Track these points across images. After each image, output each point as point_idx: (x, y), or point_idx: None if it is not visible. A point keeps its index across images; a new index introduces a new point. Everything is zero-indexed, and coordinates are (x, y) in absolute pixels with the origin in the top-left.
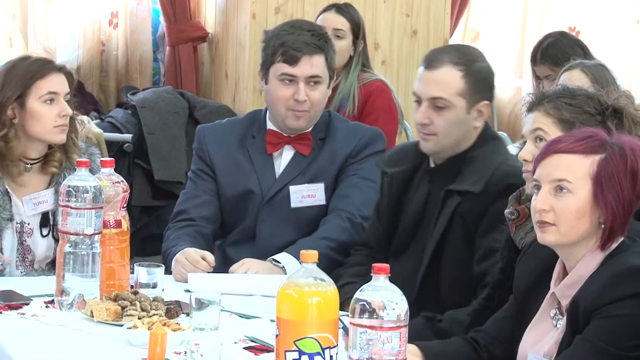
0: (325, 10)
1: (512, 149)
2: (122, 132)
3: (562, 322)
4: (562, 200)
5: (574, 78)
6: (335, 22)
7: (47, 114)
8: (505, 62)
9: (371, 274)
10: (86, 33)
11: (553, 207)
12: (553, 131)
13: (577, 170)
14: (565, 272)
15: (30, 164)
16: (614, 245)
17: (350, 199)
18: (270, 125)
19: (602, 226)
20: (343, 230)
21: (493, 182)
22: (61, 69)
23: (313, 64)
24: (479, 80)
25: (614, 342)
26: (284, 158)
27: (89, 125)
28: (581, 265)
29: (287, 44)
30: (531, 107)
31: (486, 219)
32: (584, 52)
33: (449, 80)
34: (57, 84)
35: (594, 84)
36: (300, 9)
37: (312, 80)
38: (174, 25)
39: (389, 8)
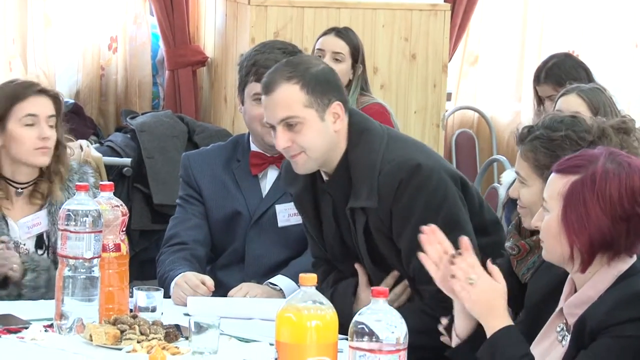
0: (325, 33)
1: (511, 173)
2: (121, 156)
3: (568, 339)
4: (545, 219)
5: (571, 102)
6: (335, 45)
7: (27, 136)
8: (504, 86)
9: (370, 297)
10: (85, 57)
11: (543, 225)
12: (531, 177)
13: (552, 189)
14: (575, 289)
15: (21, 189)
16: (625, 267)
17: None
18: (253, 147)
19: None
20: None
21: (383, 188)
22: (45, 92)
23: None
24: (319, 85)
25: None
26: (269, 178)
27: (88, 149)
28: (590, 285)
29: (258, 63)
30: (517, 143)
31: (395, 221)
32: (587, 74)
33: (290, 96)
34: (38, 106)
35: (590, 109)
36: (299, 33)
37: None
38: (173, 50)
39: (387, 32)
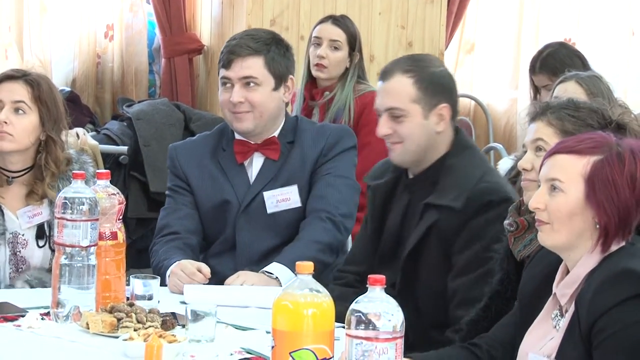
0: (321, 21)
1: (507, 161)
2: (117, 144)
3: (562, 323)
4: (555, 199)
5: (569, 89)
6: (332, 33)
7: None
8: (501, 74)
9: (367, 285)
10: (82, 45)
11: (547, 206)
12: (554, 142)
13: (570, 170)
14: (567, 274)
15: (12, 178)
16: (614, 248)
17: (327, 199)
18: (237, 136)
19: (597, 226)
20: (326, 231)
21: (473, 197)
22: (18, 78)
23: (244, 66)
24: (432, 85)
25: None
26: (254, 166)
27: (85, 137)
28: (580, 264)
29: (225, 48)
30: (534, 117)
31: (464, 235)
32: (583, 63)
33: (401, 88)
34: (4, 91)
35: (589, 95)
36: (296, 21)
37: (247, 81)
38: (169, 38)
39: (384, 20)
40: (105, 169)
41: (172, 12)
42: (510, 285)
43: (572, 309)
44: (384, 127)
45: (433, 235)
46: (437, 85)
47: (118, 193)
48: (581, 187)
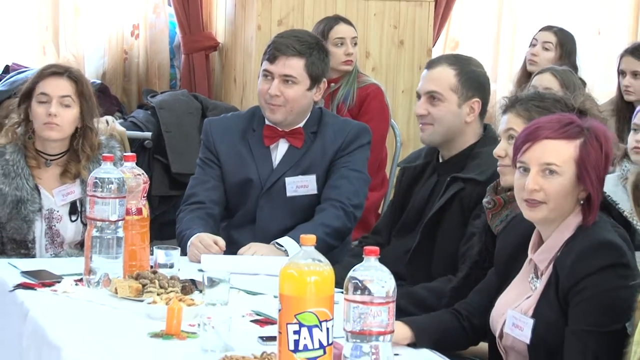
0: (335, 23)
1: None
2: (142, 130)
3: (538, 285)
4: (551, 182)
5: (544, 80)
6: (351, 32)
7: (39, 112)
8: None
9: (363, 256)
10: (111, 43)
11: (542, 187)
12: None
13: (563, 154)
14: (541, 241)
15: (50, 160)
16: (580, 219)
17: (341, 189)
18: (267, 121)
19: (582, 202)
20: (337, 218)
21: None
22: (62, 74)
23: (287, 65)
24: (471, 80)
25: (592, 322)
26: (279, 150)
27: (114, 124)
28: (557, 233)
29: (272, 44)
30: (505, 110)
31: (480, 206)
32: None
33: (443, 76)
34: (52, 86)
35: (562, 87)
36: (300, 21)
37: (286, 79)
38: (188, 36)
39: (378, 20)
40: (131, 152)
41: (190, 13)
42: (488, 256)
43: (548, 271)
44: (421, 108)
45: (455, 204)
46: (474, 82)
47: (143, 173)
48: (573, 169)
